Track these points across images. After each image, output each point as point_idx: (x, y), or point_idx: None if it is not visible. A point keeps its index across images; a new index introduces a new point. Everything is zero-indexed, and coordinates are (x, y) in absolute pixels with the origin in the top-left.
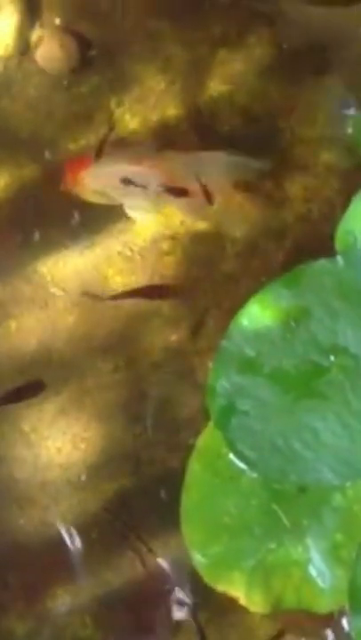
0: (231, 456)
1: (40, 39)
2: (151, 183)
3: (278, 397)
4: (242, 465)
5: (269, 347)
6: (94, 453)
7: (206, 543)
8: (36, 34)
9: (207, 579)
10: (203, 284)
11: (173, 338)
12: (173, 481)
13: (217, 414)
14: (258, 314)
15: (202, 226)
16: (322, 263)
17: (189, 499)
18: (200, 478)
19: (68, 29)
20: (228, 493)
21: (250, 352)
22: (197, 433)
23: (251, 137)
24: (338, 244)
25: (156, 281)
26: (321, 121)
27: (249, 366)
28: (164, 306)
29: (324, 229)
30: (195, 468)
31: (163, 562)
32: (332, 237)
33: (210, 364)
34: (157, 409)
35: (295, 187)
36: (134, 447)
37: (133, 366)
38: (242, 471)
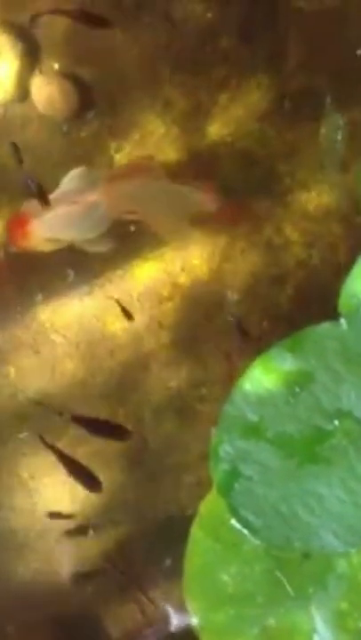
0: (234, 522)
1: (39, 84)
2: (95, 214)
3: (282, 462)
4: (245, 531)
5: (273, 411)
6: (93, 501)
7: (209, 610)
8: (35, 79)
9: None
10: (203, 331)
11: (173, 384)
12: (175, 529)
13: (220, 480)
14: (261, 378)
15: (202, 271)
16: (325, 326)
17: (192, 565)
18: (203, 545)
19: (67, 74)
20: (230, 560)
21: (253, 417)
22: (199, 480)
23: (251, 181)
24: (341, 307)
25: (155, 328)
26: (321, 165)
27: (252, 431)
28: (163, 351)
29: (326, 275)
30: (197, 534)
31: (163, 612)
32: (333, 282)
33: (209, 410)
34: (158, 455)
35: (296, 232)
36: (135, 495)
37: (133, 412)
38: (245, 538)
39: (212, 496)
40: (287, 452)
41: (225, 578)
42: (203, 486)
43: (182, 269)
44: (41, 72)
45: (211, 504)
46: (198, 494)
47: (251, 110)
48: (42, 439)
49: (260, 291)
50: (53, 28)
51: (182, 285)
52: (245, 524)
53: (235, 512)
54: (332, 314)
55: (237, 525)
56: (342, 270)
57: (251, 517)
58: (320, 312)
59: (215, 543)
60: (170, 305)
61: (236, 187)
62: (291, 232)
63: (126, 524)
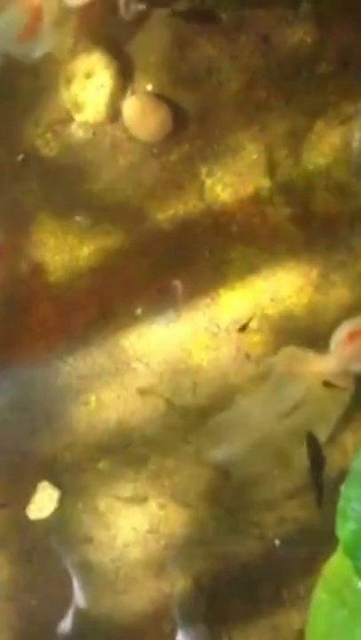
0: None
1: (132, 106)
2: None
3: None
4: None
5: None
6: (173, 536)
7: None
8: (127, 100)
9: None
10: None
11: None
12: (256, 568)
13: (346, 540)
14: None
15: (292, 303)
16: None
17: (315, 631)
18: (327, 609)
19: (160, 96)
20: (357, 626)
21: None
22: (280, 518)
23: (346, 214)
24: None
25: (242, 360)
26: None
27: None
28: (250, 385)
29: None
30: (321, 597)
31: None
32: None
33: (297, 447)
34: (240, 492)
35: None
36: (216, 532)
37: None
38: None
39: (338, 556)
40: None
41: None
42: (285, 525)
43: (272, 300)
44: (133, 93)
45: (336, 565)
46: (280, 533)
47: (348, 139)
48: None
49: None
50: (148, 47)
51: (271, 317)
52: None
53: None
54: None
55: None
56: None
57: None
58: None
59: (340, 607)
60: (258, 337)
61: (329, 218)
62: None
63: (204, 560)
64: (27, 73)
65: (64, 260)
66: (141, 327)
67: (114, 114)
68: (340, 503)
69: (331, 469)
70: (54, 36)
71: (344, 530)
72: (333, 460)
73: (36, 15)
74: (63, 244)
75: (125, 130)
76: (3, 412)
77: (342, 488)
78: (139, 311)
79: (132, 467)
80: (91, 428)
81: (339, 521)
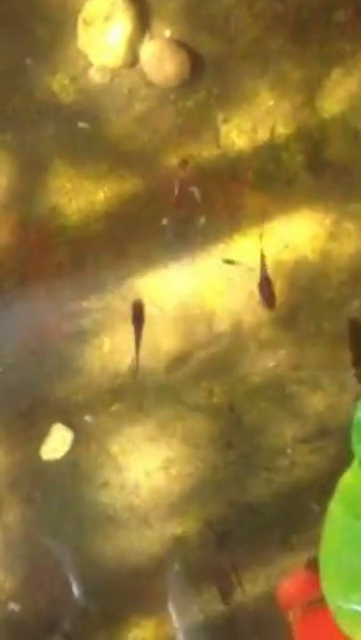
0: None
1: (150, 51)
2: None
3: None
4: None
5: None
6: (184, 480)
7: (347, 590)
8: (146, 45)
9: (346, 628)
10: (304, 312)
11: (271, 364)
12: (265, 512)
13: None
14: None
15: (306, 250)
16: None
17: (330, 543)
18: (341, 522)
19: (178, 42)
20: None
21: None
22: (292, 463)
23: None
24: None
25: (255, 304)
26: None
27: None
28: (263, 331)
29: None
30: (336, 510)
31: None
32: None
33: (306, 393)
34: (251, 437)
35: None
36: (226, 475)
37: (229, 392)
38: None
39: (353, 471)
40: None
41: None
42: (296, 469)
43: (286, 247)
44: (152, 38)
45: (351, 479)
46: (291, 477)
47: None
48: None
49: None
50: None
51: (285, 263)
52: None
53: None
54: None
55: None
56: None
57: None
58: None
59: (354, 520)
60: None
61: (345, 166)
62: None
63: (215, 503)
64: (43, 17)
65: (80, 204)
66: (156, 272)
67: (132, 59)
68: (356, 416)
69: (342, 415)
70: None
71: (360, 444)
72: (342, 406)
73: None
74: (79, 188)
75: (143, 75)
76: (15, 356)
77: (358, 402)
78: (154, 255)
79: (143, 411)
80: (104, 371)
81: (354, 435)
